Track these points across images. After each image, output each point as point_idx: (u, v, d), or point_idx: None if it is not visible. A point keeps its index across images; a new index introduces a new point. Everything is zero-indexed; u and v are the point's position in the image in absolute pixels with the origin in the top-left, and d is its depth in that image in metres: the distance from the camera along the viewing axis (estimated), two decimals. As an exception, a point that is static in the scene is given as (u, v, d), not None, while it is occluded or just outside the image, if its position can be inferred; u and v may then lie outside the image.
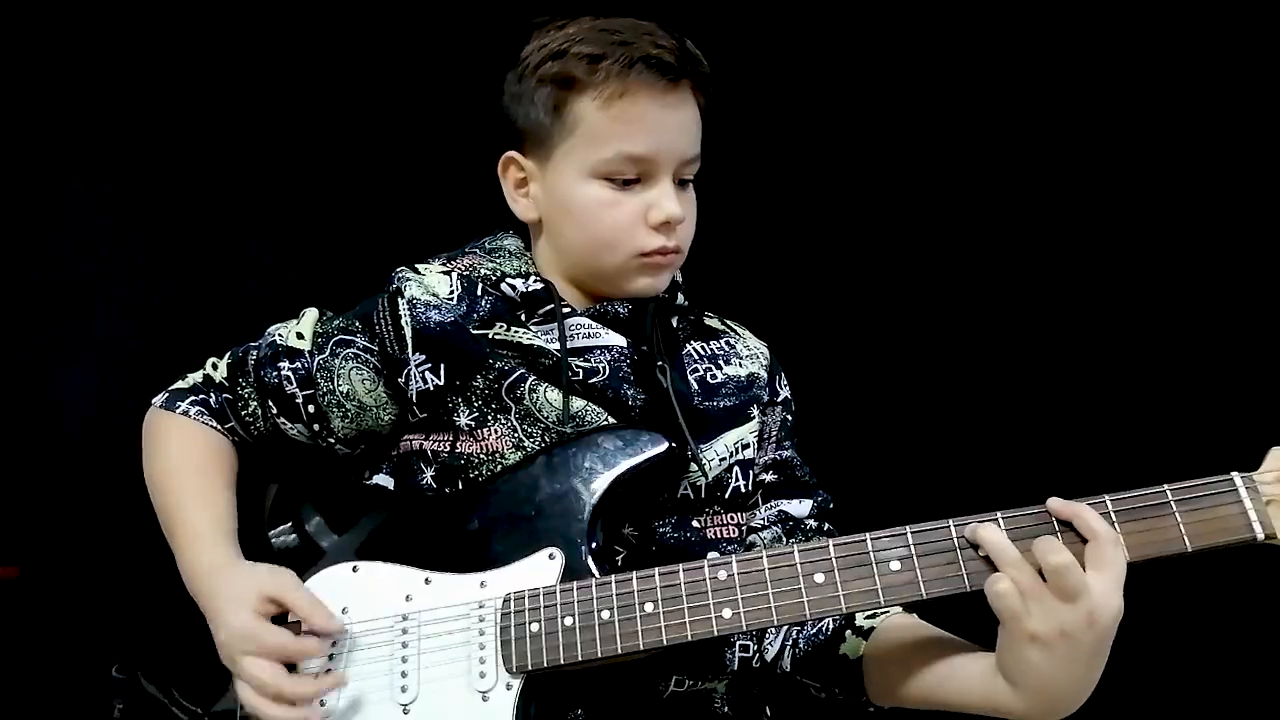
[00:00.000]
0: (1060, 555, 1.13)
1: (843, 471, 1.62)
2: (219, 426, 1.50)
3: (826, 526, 1.51)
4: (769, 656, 1.46)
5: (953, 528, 1.21)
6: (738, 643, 1.46)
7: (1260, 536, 1.16)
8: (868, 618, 1.40)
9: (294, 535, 1.45)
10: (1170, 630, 1.18)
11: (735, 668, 1.46)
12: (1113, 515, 1.18)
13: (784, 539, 1.48)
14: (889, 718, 1.41)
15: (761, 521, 1.51)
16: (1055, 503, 1.19)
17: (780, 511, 1.51)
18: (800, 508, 1.51)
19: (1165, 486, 1.18)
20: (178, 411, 1.49)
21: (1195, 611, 1.13)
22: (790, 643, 1.44)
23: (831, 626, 1.42)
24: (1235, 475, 1.18)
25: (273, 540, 1.45)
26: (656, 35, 1.43)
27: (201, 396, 1.50)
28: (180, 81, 2.32)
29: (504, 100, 1.50)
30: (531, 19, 1.49)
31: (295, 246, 2.31)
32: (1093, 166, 2.31)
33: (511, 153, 1.50)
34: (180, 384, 1.53)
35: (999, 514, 1.20)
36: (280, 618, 1.32)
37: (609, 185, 1.43)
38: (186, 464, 1.46)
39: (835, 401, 2.11)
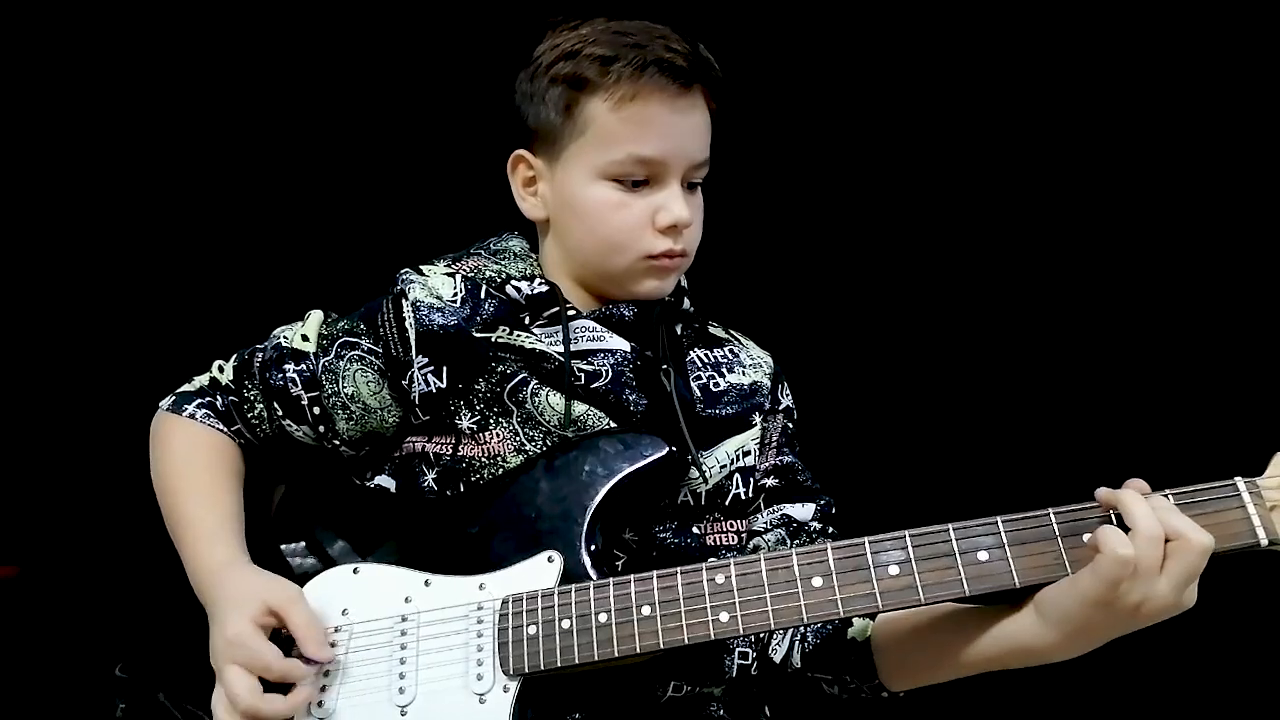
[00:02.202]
0: (1207, 537, 1.12)
1: (845, 477, 1.61)
2: (225, 429, 1.50)
3: (830, 530, 1.50)
4: (778, 658, 1.44)
5: (951, 532, 1.20)
6: (736, 649, 1.45)
7: (1264, 542, 1.15)
8: None
9: (301, 544, 1.45)
10: (1171, 635, 1.17)
11: (734, 674, 1.45)
12: (1114, 519, 1.17)
13: (788, 542, 1.48)
14: (898, 708, 1.40)
15: (764, 525, 1.50)
16: (1103, 493, 1.19)
17: (783, 515, 1.50)
18: (803, 511, 1.51)
19: (1168, 491, 1.17)
20: (184, 414, 1.50)
21: (1197, 618, 1.13)
22: (799, 638, 1.43)
23: None
24: (1239, 480, 1.17)
25: (288, 560, 1.44)
26: (670, 39, 1.43)
27: (208, 399, 1.51)
28: (190, 79, 2.34)
29: (515, 98, 1.50)
30: (545, 18, 1.49)
31: (300, 247, 2.32)
32: (1097, 172, 2.31)
33: (521, 151, 1.51)
34: (187, 387, 1.54)
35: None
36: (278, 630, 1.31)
37: (617, 187, 1.44)
38: (193, 465, 1.47)
39: (838, 408, 2.10)
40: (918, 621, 1.33)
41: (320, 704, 1.30)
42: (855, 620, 1.39)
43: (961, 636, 1.28)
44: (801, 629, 1.43)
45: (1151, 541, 1.12)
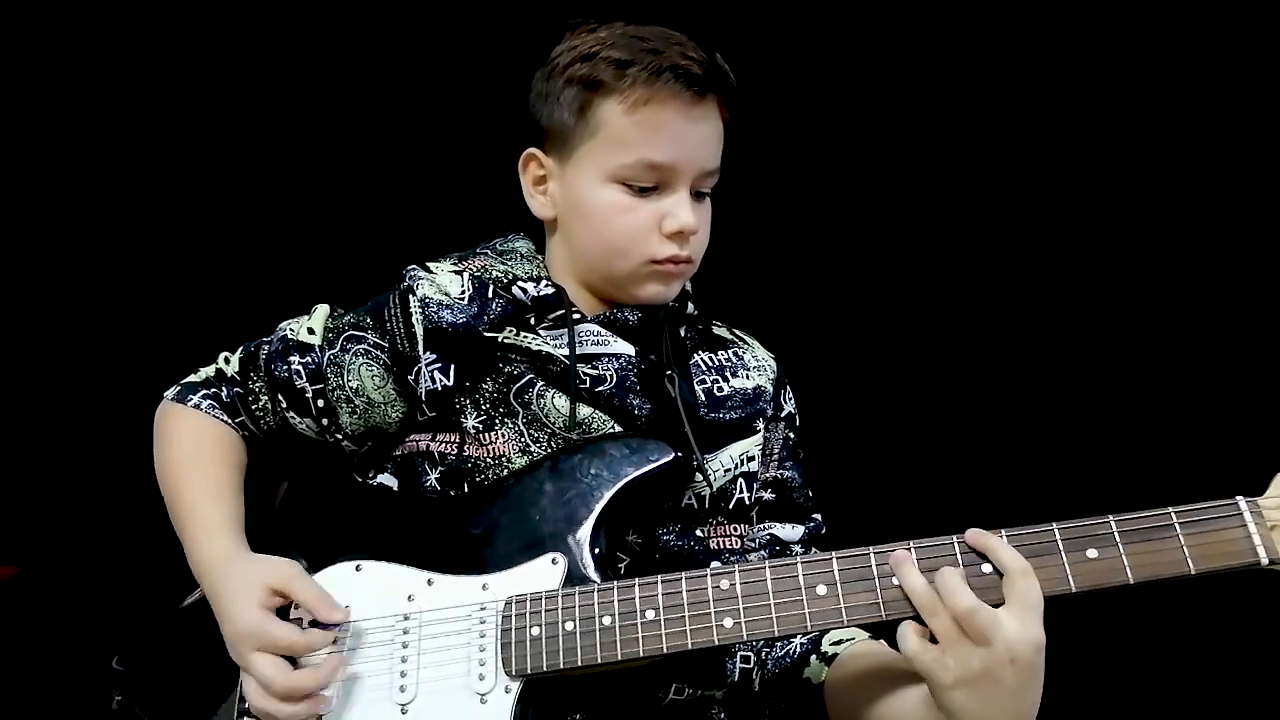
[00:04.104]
0: (966, 599, 1.13)
1: (848, 482, 1.62)
2: (229, 420, 1.50)
3: (814, 552, 1.50)
4: (735, 676, 1.46)
5: (956, 543, 1.21)
6: (738, 653, 1.46)
7: (1264, 561, 1.16)
8: (833, 644, 1.41)
9: (304, 540, 1.45)
10: (1173, 653, 1.18)
11: (735, 678, 1.46)
12: (1116, 536, 1.18)
13: None
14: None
15: (751, 544, 1.51)
16: (973, 534, 1.19)
17: (770, 535, 1.52)
18: (791, 533, 1.52)
19: (1170, 509, 1.18)
20: (189, 405, 1.50)
21: (1198, 635, 1.13)
22: (758, 664, 1.45)
23: (799, 650, 1.43)
24: (1240, 500, 1.18)
25: (291, 556, 1.43)
26: (687, 47, 1.43)
27: (213, 390, 1.51)
28: (202, 74, 2.33)
29: (530, 98, 1.51)
30: (564, 20, 1.50)
31: (307, 243, 2.31)
32: (1104, 187, 2.31)
33: (533, 149, 1.51)
34: (192, 378, 1.54)
35: (911, 543, 1.20)
36: (286, 608, 1.32)
37: (626, 191, 1.44)
38: (198, 457, 1.47)
39: (843, 412, 2.11)
40: (864, 684, 1.34)
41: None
42: (813, 663, 1.41)
43: (900, 708, 1.28)
44: (764, 655, 1.45)
45: (931, 612, 1.14)
